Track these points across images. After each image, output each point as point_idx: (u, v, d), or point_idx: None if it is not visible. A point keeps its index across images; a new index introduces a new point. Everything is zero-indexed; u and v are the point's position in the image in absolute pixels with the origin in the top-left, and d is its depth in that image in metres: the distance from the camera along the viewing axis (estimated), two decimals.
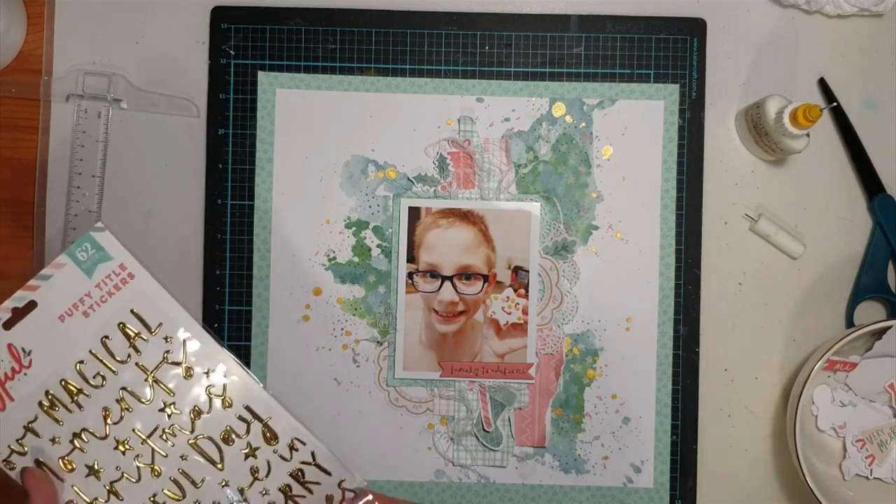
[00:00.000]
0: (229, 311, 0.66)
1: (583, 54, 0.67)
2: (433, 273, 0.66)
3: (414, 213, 0.66)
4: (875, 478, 0.66)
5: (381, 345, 0.66)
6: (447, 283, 0.66)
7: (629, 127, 0.67)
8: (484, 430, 0.66)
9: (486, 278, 0.66)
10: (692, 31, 0.67)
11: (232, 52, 0.67)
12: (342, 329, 0.66)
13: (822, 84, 0.68)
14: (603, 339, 0.67)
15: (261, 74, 0.67)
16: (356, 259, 0.67)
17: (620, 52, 0.67)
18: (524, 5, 0.68)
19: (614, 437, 0.67)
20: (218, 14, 0.67)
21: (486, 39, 0.67)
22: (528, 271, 0.66)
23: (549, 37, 0.67)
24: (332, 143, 0.67)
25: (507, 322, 0.66)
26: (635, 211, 0.67)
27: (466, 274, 0.66)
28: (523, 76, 0.67)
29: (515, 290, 0.66)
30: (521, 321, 0.66)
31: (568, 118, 0.67)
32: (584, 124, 0.67)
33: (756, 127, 0.65)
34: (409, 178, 0.67)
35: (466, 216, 0.66)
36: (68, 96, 0.67)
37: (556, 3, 0.68)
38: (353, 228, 0.67)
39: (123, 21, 0.68)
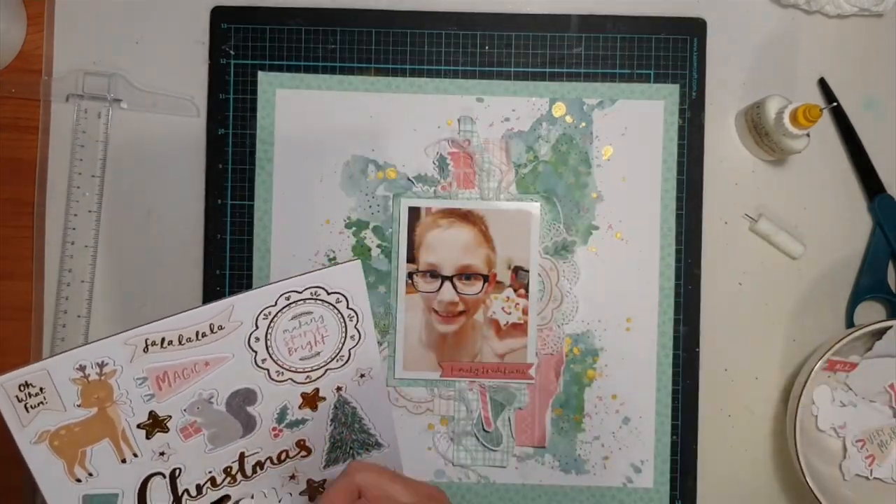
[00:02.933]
0: None
1: (583, 54, 0.67)
2: (433, 273, 0.66)
3: (414, 213, 0.66)
4: (875, 478, 0.66)
5: (381, 344, 0.66)
6: (447, 284, 0.66)
7: (629, 127, 0.67)
8: (484, 430, 0.66)
9: (486, 278, 0.66)
10: (692, 31, 0.67)
11: (232, 52, 0.67)
12: None
13: (822, 84, 0.68)
14: (603, 339, 0.67)
15: (261, 74, 0.67)
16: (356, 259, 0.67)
17: (620, 52, 0.67)
18: (524, 5, 0.68)
19: (614, 438, 0.67)
20: (218, 14, 0.67)
21: (486, 39, 0.67)
22: (528, 271, 0.66)
23: (549, 37, 0.67)
24: (332, 143, 0.67)
25: (507, 322, 0.66)
26: (635, 211, 0.67)
27: (466, 274, 0.66)
28: (523, 76, 0.67)
29: (515, 290, 0.66)
30: (521, 321, 0.66)
31: (568, 118, 0.67)
32: (584, 124, 0.67)
33: (756, 127, 0.65)
34: (409, 178, 0.67)
35: (466, 216, 0.66)
36: (68, 96, 0.67)
37: (556, 3, 0.68)
38: (353, 228, 0.67)
39: (123, 21, 0.68)
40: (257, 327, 0.53)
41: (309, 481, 0.57)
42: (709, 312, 0.67)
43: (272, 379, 0.54)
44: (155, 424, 0.52)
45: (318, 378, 0.55)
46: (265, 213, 0.67)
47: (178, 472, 0.53)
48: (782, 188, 0.68)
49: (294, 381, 0.54)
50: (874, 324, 0.62)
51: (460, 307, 0.66)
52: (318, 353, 0.54)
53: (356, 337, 0.55)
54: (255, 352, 0.53)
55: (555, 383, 0.66)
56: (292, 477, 0.57)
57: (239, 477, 0.55)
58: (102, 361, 0.51)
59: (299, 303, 0.53)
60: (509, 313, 0.66)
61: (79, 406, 0.51)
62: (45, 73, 0.67)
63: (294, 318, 0.53)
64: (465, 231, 0.66)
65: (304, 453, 0.56)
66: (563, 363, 0.66)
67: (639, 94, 0.67)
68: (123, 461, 0.53)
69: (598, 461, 0.66)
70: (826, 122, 0.68)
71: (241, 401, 0.54)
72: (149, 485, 0.53)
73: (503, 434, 0.66)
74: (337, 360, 0.55)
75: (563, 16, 0.67)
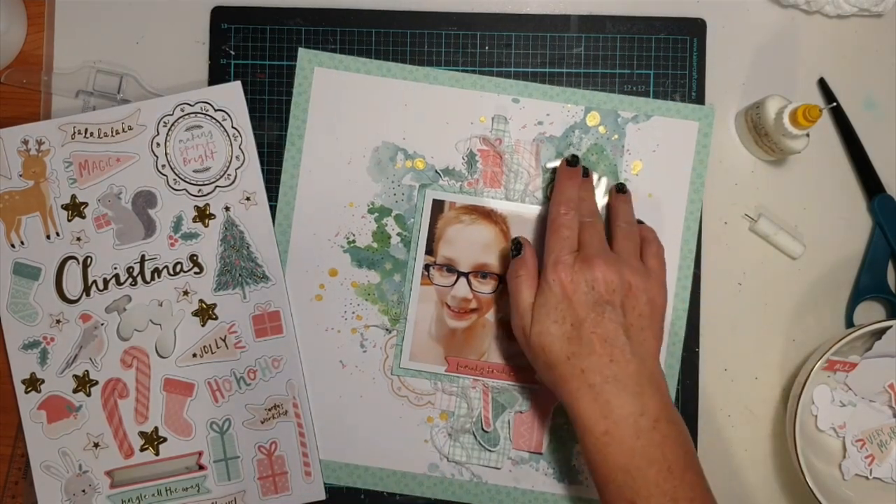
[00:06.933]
0: None
1: (583, 54, 0.67)
2: (450, 267, 0.66)
3: (437, 206, 0.66)
4: (875, 478, 0.66)
5: (390, 333, 0.66)
6: (462, 279, 0.66)
7: (661, 144, 0.66)
8: (483, 429, 0.66)
9: (501, 279, 0.66)
10: (692, 31, 0.67)
11: (232, 52, 0.67)
12: (353, 313, 0.66)
13: (822, 84, 0.68)
14: None
15: (301, 51, 0.66)
16: (375, 245, 0.67)
17: (620, 52, 0.67)
18: (524, 5, 0.68)
19: None
20: (218, 14, 0.67)
21: (486, 39, 0.67)
22: None
23: (548, 37, 0.67)
24: (364, 126, 0.67)
25: None
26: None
27: (483, 272, 0.66)
28: (557, 79, 0.67)
29: None
30: None
31: (601, 129, 0.66)
32: (616, 136, 0.66)
33: (756, 127, 0.65)
34: (436, 171, 0.67)
35: (489, 215, 0.66)
36: (78, 92, 0.67)
37: (556, 3, 0.68)
38: (376, 214, 0.67)
39: (123, 21, 0.68)
40: (158, 133, 0.64)
41: (200, 302, 0.64)
42: (709, 312, 0.67)
43: (170, 186, 0.64)
44: (75, 208, 0.63)
45: (209, 193, 0.64)
46: (290, 188, 0.66)
47: (89, 260, 0.63)
48: (782, 188, 0.68)
49: (189, 193, 0.64)
50: (874, 324, 0.62)
51: (473, 304, 0.66)
52: (208, 168, 0.64)
53: (241, 158, 0.64)
54: (157, 157, 0.63)
55: None
56: (186, 293, 0.64)
57: (139, 280, 0.63)
58: (41, 139, 0.63)
59: (192, 116, 0.64)
60: None
61: (20, 176, 0.63)
62: (44, 73, 0.67)
63: (188, 129, 0.64)
64: (486, 229, 0.66)
65: (196, 269, 0.64)
66: None
67: (675, 112, 0.66)
68: (48, 237, 0.64)
69: None
70: (826, 122, 0.68)
71: (144, 202, 0.64)
72: (65, 268, 0.63)
73: (501, 436, 0.66)
74: (225, 178, 0.64)
75: (562, 16, 0.67)
